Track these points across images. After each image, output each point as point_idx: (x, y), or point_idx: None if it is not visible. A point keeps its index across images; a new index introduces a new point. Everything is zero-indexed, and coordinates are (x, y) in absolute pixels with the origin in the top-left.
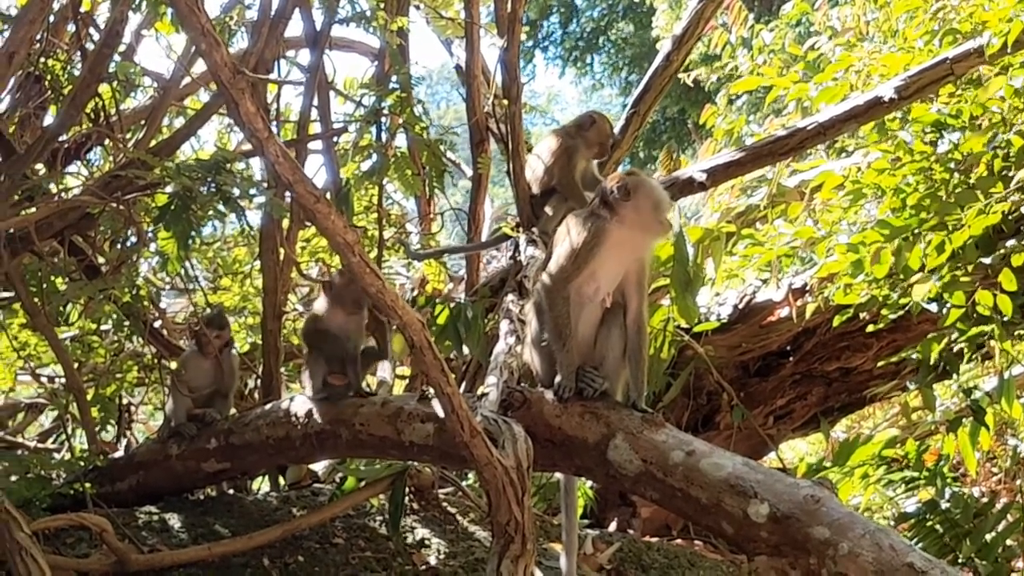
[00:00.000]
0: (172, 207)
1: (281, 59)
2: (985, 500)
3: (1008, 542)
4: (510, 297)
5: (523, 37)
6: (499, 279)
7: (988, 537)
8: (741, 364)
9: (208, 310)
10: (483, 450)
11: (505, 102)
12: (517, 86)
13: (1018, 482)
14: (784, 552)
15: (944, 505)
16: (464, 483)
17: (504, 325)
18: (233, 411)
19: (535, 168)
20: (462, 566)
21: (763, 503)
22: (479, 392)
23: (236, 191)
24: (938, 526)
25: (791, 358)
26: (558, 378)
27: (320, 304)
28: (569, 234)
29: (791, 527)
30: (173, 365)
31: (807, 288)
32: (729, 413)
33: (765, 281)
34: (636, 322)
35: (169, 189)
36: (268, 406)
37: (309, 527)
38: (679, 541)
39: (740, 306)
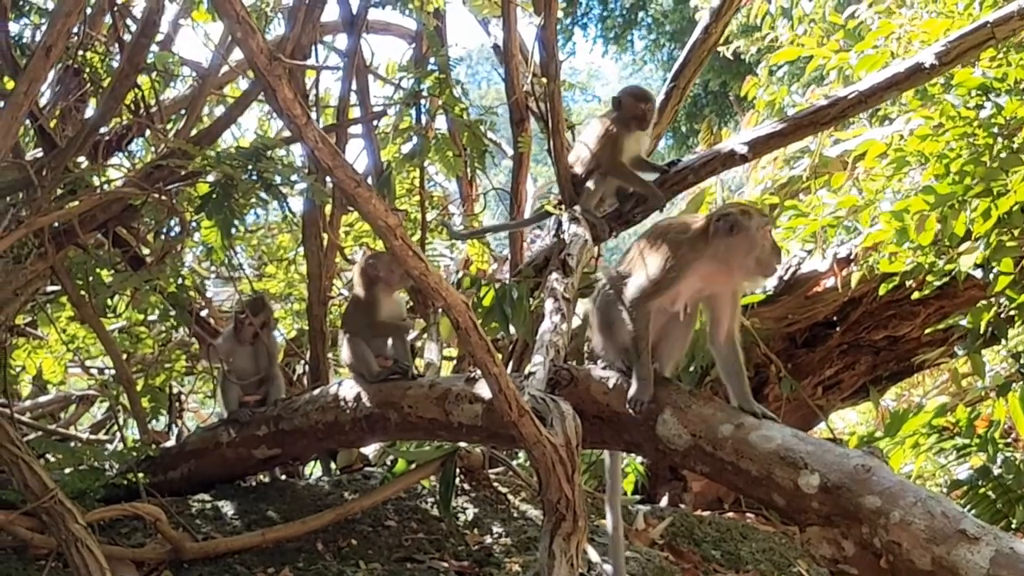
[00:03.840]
0: (214, 196)
1: (318, 44)
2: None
3: None
4: (554, 276)
5: (561, 15)
6: (543, 258)
7: None
8: (788, 336)
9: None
10: (532, 429)
11: (544, 80)
12: (555, 63)
13: None
14: (835, 522)
15: (996, 471)
16: (514, 462)
17: (549, 304)
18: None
19: (580, 154)
20: (514, 545)
21: (813, 474)
22: (526, 371)
23: (277, 178)
24: (991, 492)
25: (838, 328)
26: (632, 391)
27: (361, 291)
28: (657, 251)
29: (842, 497)
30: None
31: (852, 258)
32: (777, 385)
33: (810, 252)
34: (728, 341)
35: (210, 178)
36: (316, 391)
37: (361, 510)
38: (731, 514)
39: (786, 278)
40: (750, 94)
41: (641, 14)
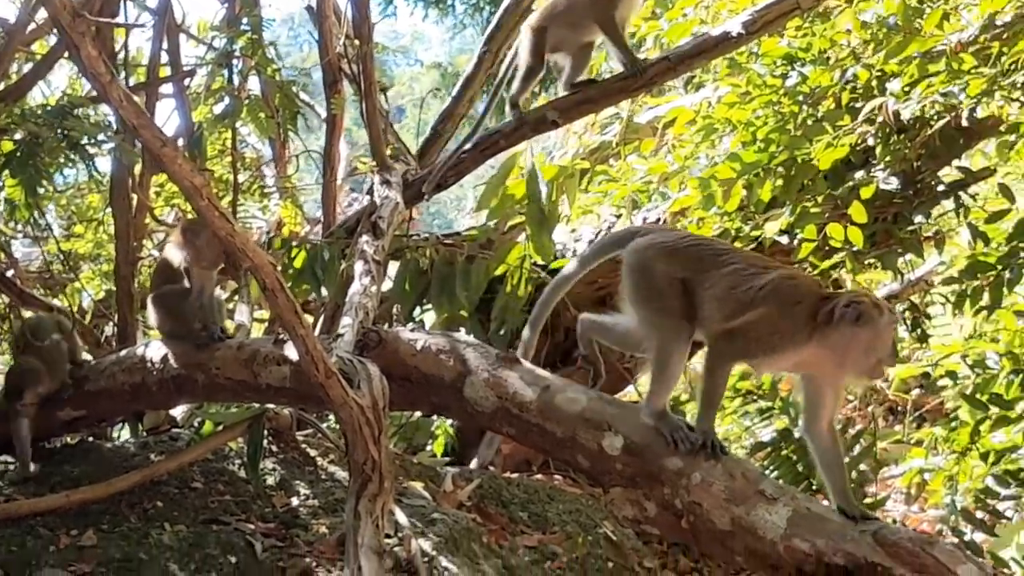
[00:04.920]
0: (18, 154)
1: (128, 2)
2: (838, 427)
3: (861, 467)
4: (365, 238)
5: None
6: (355, 220)
7: None
8: (599, 299)
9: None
10: (338, 390)
11: (357, 42)
12: (368, 25)
13: (870, 408)
14: (639, 483)
15: (797, 434)
16: (324, 425)
17: (359, 266)
18: (88, 358)
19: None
20: (322, 507)
21: (617, 435)
22: (335, 334)
23: (84, 137)
24: (792, 454)
25: None
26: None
27: (174, 253)
28: (765, 322)
29: (645, 458)
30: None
31: (662, 223)
32: None
33: (619, 217)
34: (829, 430)
35: (17, 136)
36: (123, 352)
37: (168, 472)
38: (539, 476)
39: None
40: None
41: None
